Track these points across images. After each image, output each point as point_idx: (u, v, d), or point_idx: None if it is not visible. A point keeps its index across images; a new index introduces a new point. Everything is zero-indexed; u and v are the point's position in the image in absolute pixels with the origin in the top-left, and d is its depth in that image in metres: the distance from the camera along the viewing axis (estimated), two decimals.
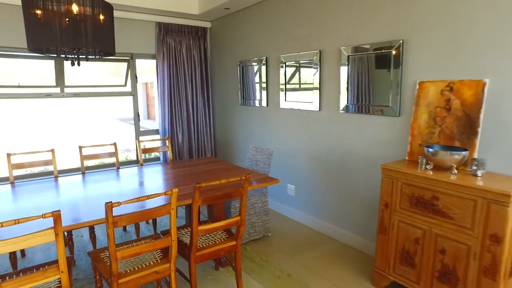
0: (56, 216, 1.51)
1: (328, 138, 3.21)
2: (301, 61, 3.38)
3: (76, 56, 2.39)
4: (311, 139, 3.40)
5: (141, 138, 4.58)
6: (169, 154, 3.73)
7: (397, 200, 2.19)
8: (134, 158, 4.93)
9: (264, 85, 3.93)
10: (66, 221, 1.89)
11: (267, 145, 4.01)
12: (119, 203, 1.66)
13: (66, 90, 3.99)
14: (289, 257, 2.93)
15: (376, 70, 2.70)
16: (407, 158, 2.37)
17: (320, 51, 3.17)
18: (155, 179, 2.86)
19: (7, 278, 1.80)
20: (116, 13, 4.01)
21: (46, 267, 1.61)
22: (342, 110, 3.02)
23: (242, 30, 4.18)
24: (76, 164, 4.20)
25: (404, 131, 2.56)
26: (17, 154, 2.88)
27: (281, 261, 2.86)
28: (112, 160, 3.49)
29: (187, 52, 4.60)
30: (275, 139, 3.88)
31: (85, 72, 4.34)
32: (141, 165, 3.44)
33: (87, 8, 2.26)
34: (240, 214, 2.21)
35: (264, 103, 3.96)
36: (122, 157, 4.75)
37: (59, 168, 3.38)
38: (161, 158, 4.65)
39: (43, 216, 1.48)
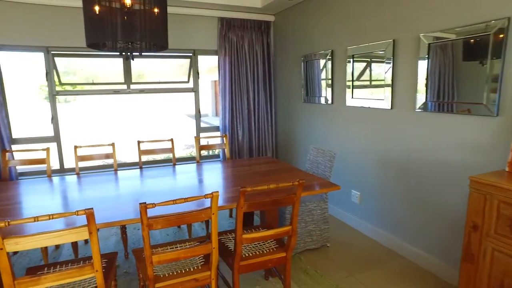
0: (89, 214, 1.43)
1: (401, 140, 2.76)
2: (371, 53, 2.97)
3: (130, 51, 2.36)
4: (381, 141, 2.97)
5: (201, 134, 4.58)
6: (226, 152, 3.62)
7: (492, 223, 1.72)
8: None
9: (329, 81, 3.58)
10: (111, 217, 1.85)
11: (331, 146, 3.66)
12: (154, 205, 1.53)
13: (132, 86, 4.14)
14: (349, 272, 2.58)
15: (464, 61, 2.20)
16: (507, 169, 1.85)
17: (393, 40, 2.73)
18: (207, 177, 2.75)
19: (45, 269, 1.82)
20: (179, 10, 4.04)
21: (81, 263, 1.57)
22: (419, 108, 2.55)
23: (307, 22, 3.88)
24: (145, 158, 4.35)
25: (503, 135, 2.03)
26: (83, 147, 3.02)
27: (338, 277, 2.53)
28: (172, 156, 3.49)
29: (249, 47, 4.45)
30: (340, 139, 3.52)
31: (152, 69, 4.46)
32: (198, 162, 3.39)
33: (140, 2, 2.21)
34: (292, 224, 1.95)
35: (328, 101, 3.61)
36: (186, 153, 4.79)
37: (125, 161, 3.50)
38: (221, 156, 4.60)
39: (77, 213, 1.41)
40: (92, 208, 1.44)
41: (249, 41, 4.43)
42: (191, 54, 4.35)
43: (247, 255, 2.01)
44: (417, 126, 2.60)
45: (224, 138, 3.63)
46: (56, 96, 3.85)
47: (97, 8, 2.09)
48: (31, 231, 1.67)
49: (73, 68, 4.07)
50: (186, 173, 2.88)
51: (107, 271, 1.84)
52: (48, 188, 2.48)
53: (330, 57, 3.51)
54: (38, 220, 1.36)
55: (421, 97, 2.53)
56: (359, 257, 2.82)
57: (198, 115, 4.54)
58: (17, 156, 3.29)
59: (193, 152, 6.65)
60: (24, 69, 3.75)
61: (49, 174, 2.85)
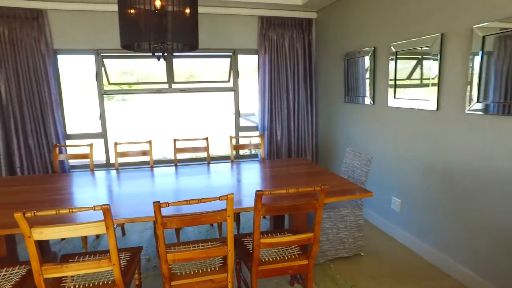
0: (105, 210, 1.48)
1: (448, 145, 2.49)
2: (415, 49, 2.72)
3: (162, 51, 2.42)
4: (425, 145, 2.72)
5: (240, 134, 4.60)
6: (261, 152, 3.58)
7: None
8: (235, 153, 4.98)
9: (370, 80, 3.36)
10: (138, 213, 1.90)
11: (371, 149, 3.44)
12: (167, 204, 1.54)
13: (174, 86, 4.28)
14: (381, 285, 2.40)
15: None
16: None
17: (441, 34, 2.47)
18: (236, 177, 2.73)
19: (76, 258, 1.92)
20: (219, 10, 4.08)
21: (103, 255, 1.63)
22: (469, 110, 2.28)
23: (349, 18, 3.68)
24: (182, 156, 4.47)
25: None
26: (122, 144, 3.18)
27: None
28: (211, 154, 3.54)
29: (290, 45, 4.36)
30: (381, 142, 3.29)
31: (193, 69, 4.57)
32: (232, 161, 3.39)
33: (172, 3, 2.25)
34: (314, 231, 1.85)
35: (369, 101, 3.40)
36: (227, 152, 4.84)
37: (171, 158, 3.61)
38: (259, 156, 4.56)
39: (94, 208, 1.47)
40: (108, 204, 1.48)
41: (289, 39, 4.34)
42: (231, 54, 4.38)
43: (267, 259, 1.94)
44: (468, 129, 2.32)
45: (260, 138, 3.59)
46: (110, 95, 4.12)
47: (130, 10, 2.17)
48: (74, 221, 1.79)
49: (122, 69, 4.31)
50: (217, 172, 2.89)
51: (129, 264, 1.90)
52: (89, 181, 2.64)
53: (372, 55, 3.30)
54: (59, 213, 1.44)
55: (472, 97, 2.26)
56: (395, 269, 2.61)
57: (237, 114, 4.56)
58: (69, 150, 3.56)
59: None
60: (77, 71, 4.05)
61: (91, 168, 3.05)
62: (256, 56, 4.38)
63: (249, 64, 4.56)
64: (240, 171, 2.94)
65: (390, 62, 3.03)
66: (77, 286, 1.69)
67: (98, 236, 3.22)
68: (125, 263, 1.91)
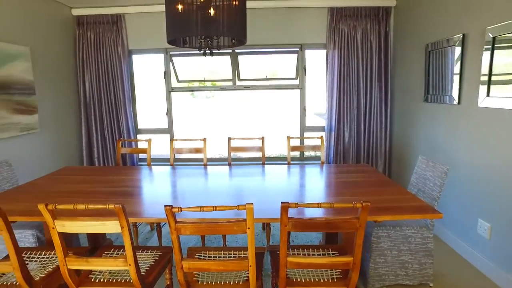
0: (118, 209, 1.43)
1: None
2: None
3: (208, 47, 2.33)
4: None
5: (306, 134, 4.34)
6: (321, 155, 3.28)
7: None
8: (298, 154, 4.73)
9: (456, 76, 2.78)
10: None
11: (456, 158, 2.85)
12: (180, 209, 1.42)
13: (239, 83, 4.23)
14: None
15: None
16: None
17: None
18: (284, 181, 2.51)
19: (111, 250, 1.94)
20: (285, 3, 3.87)
21: (120, 253, 1.60)
22: None
23: (433, 2, 3.11)
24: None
25: None
26: (178, 140, 3.23)
27: None
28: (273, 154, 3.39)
29: (363, 38, 3.91)
30: (468, 150, 2.69)
31: (259, 66, 4.46)
32: (289, 163, 3.18)
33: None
34: (353, 254, 1.54)
35: (454, 100, 2.81)
36: (292, 153, 4.65)
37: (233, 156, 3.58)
38: (324, 158, 4.22)
39: (107, 206, 1.43)
40: (121, 205, 1.43)
41: (362, 31, 3.90)
42: (298, 49, 4.14)
43: (299, 279, 1.70)
44: None
45: (320, 139, 3.29)
46: (193, 93, 4.29)
47: (174, 5, 2.13)
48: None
49: (190, 67, 4.44)
50: (267, 175, 2.71)
51: (156, 264, 1.85)
52: (143, 176, 2.72)
53: (459, 44, 2.71)
54: (76, 208, 1.44)
55: None
56: None
57: (302, 113, 4.30)
58: (140, 144, 3.78)
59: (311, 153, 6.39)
60: (148, 69, 4.29)
61: (148, 163, 3.16)
62: (325, 51, 4.05)
63: (316, 60, 4.25)
64: (291, 175, 2.71)
65: (484, 52, 2.43)
66: (102, 280, 1.70)
67: (152, 228, 3.33)
68: (153, 262, 1.87)
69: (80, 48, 3.92)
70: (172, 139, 3.21)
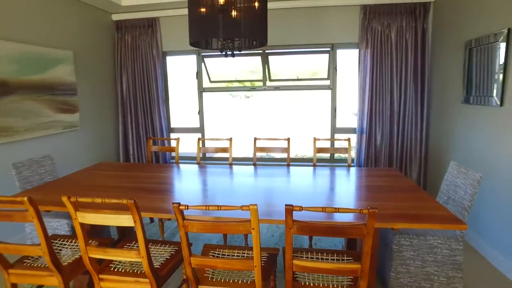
0: (130, 204, 1.51)
1: None
2: None
3: (230, 48, 2.37)
4: None
5: (336, 135, 4.24)
6: (348, 157, 3.20)
7: None
8: (329, 156, 4.62)
9: (498, 74, 2.57)
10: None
11: (495, 164, 2.63)
12: (187, 206, 1.47)
13: (269, 83, 4.24)
14: None
15: None
16: None
17: None
18: (306, 184, 2.49)
19: (133, 243, 2.05)
20: (316, 2, 3.81)
21: (133, 246, 1.68)
22: None
23: None
24: (266, 155, 4.41)
25: None
26: (206, 139, 3.31)
27: None
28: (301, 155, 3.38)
29: (397, 36, 3.74)
30: (509, 157, 2.48)
31: (291, 66, 4.44)
32: (314, 165, 3.14)
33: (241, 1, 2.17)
34: (362, 262, 1.49)
35: (496, 101, 2.60)
36: (324, 155, 4.59)
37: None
38: (355, 161, 4.11)
39: (121, 201, 1.52)
40: (133, 200, 1.51)
41: (397, 29, 3.73)
42: (329, 49, 4.06)
43: (307, 283, 1.68)
44: None
45: (347, 141, 3.20)
46: (232, 93, 4.41)
47: (198, 8, 2.19)
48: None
49: (221, 67, 4.54)
50: (290, 176, 2.70)
51: (171, 258, 1.92)
52: (171, 172, 2.83)
53: (504, 40, 2.50)
54: (94, 202, 1.55)
55: None
56: None
57: (333, 114, 4.21)
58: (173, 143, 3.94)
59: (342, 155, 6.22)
60: (181, 70, 4.45)
61: (176, 161, 3.28)
62: (356, 50, 3.93)
63: (348, 59, 4.14)
64: (314, 177, 2.67)
65: None
66: (120, 270, 1.80)
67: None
68: (168, 256, 1.94)
69: (119, 50, 4.17)
70: (199, 139, 3.31)
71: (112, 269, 1.82)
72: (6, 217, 1.71)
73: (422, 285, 2.18)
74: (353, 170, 2.87)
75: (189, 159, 4.48)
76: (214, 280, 1.72)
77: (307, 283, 1.68)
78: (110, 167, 3.00)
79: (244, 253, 1.95)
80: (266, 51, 4.16)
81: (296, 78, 4.45)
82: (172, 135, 4.42)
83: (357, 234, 1.45)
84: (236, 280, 1.71)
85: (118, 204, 1.92)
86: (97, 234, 2.37)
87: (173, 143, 3.66)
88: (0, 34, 2.74)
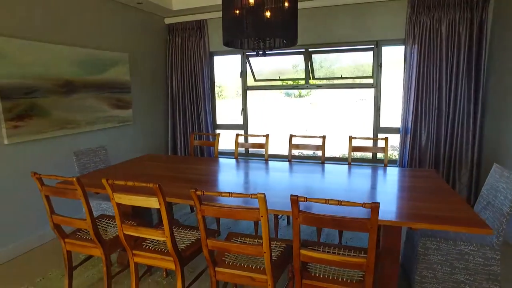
0: (155, 188, 1.70)
1: None
2: None
3: (261, 48, 2.47)
4: None
5: (380, 135, 4.12)
6: (385, 157, 3.10)
7: None
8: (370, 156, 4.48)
9: None
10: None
11: None
12: (202, 192, 1.62)
13: (313, 82, 4.26)
14: None
15: None
16: None
17: None
18: (339, 181, 2.50)
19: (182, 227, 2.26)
20: None
21: (157, 227, 1.87)
22: None
23: None
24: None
25: None
26: (242, 135, 3.46)
27: None
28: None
29: (449, 30, 3.51)
30: None
31: (332, 64, 4.41)
32: (349, 164, 3.11)
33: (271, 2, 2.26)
34: (367, 257, 1.50)
35: None
36: (360, 154, 4.50)
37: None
38: (398, 161, 3.94)
39: (149, 185, 1.72)
40: (158, 184, 1.70)
41: (448, 23, 3.50)
42: (373, 46, 3.95)
43: (318, 274, 1.72)
44: None
45: (385, 141, 3.11)
46: (287, 91, 4.57)
47: (230, 9, 2.33)
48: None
49: (265, 66, 4.66)
50: (322, 173, 2.72)
51: (197, 241, 2.09)
52: (208, 165, 3.03)
53: None
54: (126, 184, 1.77)
55: None
56: None
57: (377, 114, 4.09)
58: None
59: (392, 154, 5.98)
60: (228, 69, 4.67)
61: (216, 155, 3.48)
62: (402, 47, 3.77)
63: (392, 56, 3.99)
64: (345, 175, 2.65)
65: None
66: (150, 248, 2.02)
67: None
68: (194, 240, 2.11)
69: (170, 51, 4.52)
70: (237, 135, 3.47)
71: (144, 246, 2.04)
72: (62, 194, 2.02)
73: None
74: (389, 169, 2.79)
75: (230, 154, 4.69)
76: (230, 264, 1.84)
77: (317, 274, 1.73)
78: (155, 158, 3.30)
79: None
80: (309, 49, 4.18)
81: (340, 76, 4.40)
82: (218, 131, 4.65)
83: (361, 228, 1.46)
84: (250, 266, 1.82)
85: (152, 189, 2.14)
86: (138, 216, 2.64)
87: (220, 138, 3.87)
88: (68, 42, 3.18)
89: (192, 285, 2.13)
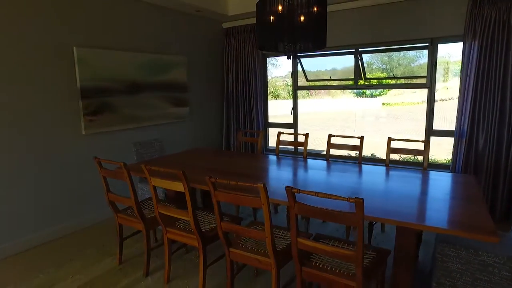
0: (180, 174, 1.99)
1: None
2: None
3: (292, 51, 2.61)
4: None
5: (432, 138, 3.90)
6: (424, 160, 2.97)
7: None
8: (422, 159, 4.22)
9: None
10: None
11: None
12: (215, 179, 1.86)
13: (364, 82, 4.21)
14: None
15: None
16: None
17: None
18: (367, 181, 2.53)
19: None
20: None
21: (184, 209, 2.16)
22: None
23: None
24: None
25: None
26: (285, 134, 3.62)
27: None
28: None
29: None
30: None
31: (384, 63, 4.28)
32: (387, 166, 3.06)
33: (301, 6, 2.39)
34: (356, 249, 1.57)
35: None
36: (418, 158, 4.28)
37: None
38: (458, 166, 3.66)
39: (173, 171, 2.02)
40: (182, 171, 1.99)
41: None
42: (427, 44, 3.75)
43: (318, 263, 1.83)
44: None
45: (424, 143, 2.99)
46: (357, 91, 4.70)
47: (265, 16, 2.52)
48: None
49: (316, 66, 4.74)
50: (356, 173, 2.76)
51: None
52: (249, 159, 3.28)
53: None
54: (159, 170, 2.10)
55: None
56: None
57: (430, 116, 3.87)
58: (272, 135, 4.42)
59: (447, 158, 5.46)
60: (280, 70, 4.85)
61: (259, 151, 3.70)
62: (459, 44, 3.52)
63: (447, 54, 3.74)
64: (379, 176, 2.63)
65: None
66: (180, 227, 2.34)
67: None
68: (214, 225, 2.36)
69: (226, 53, 4.88)
70: (279, 133, 3.64)
71: (176, 225, 2.37)
72: (113, 175, 2.46)
73: None
74: (426, 173, 2.68)
75: (283, 152, 4.87)
76: (242, 247, 2.06)
77: (317, 264, 1.84)
78: (202, 151, 3.66)
79: (276, 232, 2.21)
80: (359, 49, 4.14)
81: (393, 76, 4.26)
82: (270, 130, 4.89)
83: (349, 222, 1.55)
84: (259, 250, 2.00)
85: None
86: (181, 201, 3.01)
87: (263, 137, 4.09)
88: (135, 49, 3.73)
89: (214, 264, 2.40)
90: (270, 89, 5.03)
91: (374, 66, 4.22)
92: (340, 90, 4.41)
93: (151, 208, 2.73)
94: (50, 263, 2.71)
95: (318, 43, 2.53)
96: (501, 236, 2.19)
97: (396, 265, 2.00)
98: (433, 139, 3.92)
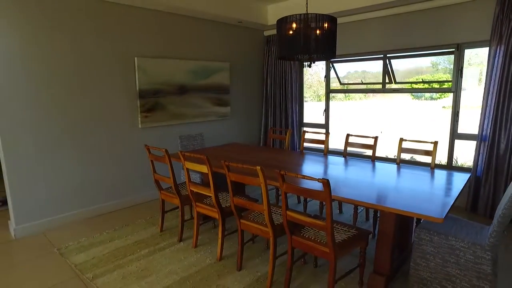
0: (204, 158, 2.57)
1: None
2: None
3: (307, 61, 3.05)
4: None
5: (456, 142, 4.00)
6: (432, 160, 3.16)
7: None
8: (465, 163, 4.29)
9: None
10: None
11: None
12: (228, 163, 2.40)
13: (394, 86, 4.44)
14: None
15: None
16: None
17: None
18: (373, 176, 2.88)
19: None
20: (440, 2, 3.77)
21: (207, 188, 2.72)
22: None
23: None
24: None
25: None
26: (309, 132, 4.04)
27: None
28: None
29: None
30: None
31: (413, 69, 4.44)
32: (398, 164, 3.33)
33: (315, 24, 2.83)
34: (326, 221, 2.00)
35: None
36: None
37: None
38: (479, 168, 3.74)
39: (199, 156, 2.60)
40: (205, 156, 2.56)
41: None
42: (454, 49, 3.88)
43: (306, 235, 2.26)
44: None
45: (433, 144, 3.20)
46: (415, 94, 5.05)
47: (284, 31, 2.99)
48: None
49: (348, 70, 5.03)
50: (366, 169, 3.12)
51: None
52: (275, 155, 3.77)
53: None
54: (189, 155, 2.71)
55: None
56: None
57: (454, 119, 3.98)
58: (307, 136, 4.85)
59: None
60: (316, 73, 5.23)
61: (286, 147, 4.17)
62: (485, 49, 3.60)
63: (472, 59, 3.81)
64: (386, 172, 2.92)
65: None
66: (207, 203, 2.92)
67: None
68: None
69: (266, 59, 5.42)
70: (304, 131, 4.08)
71: (203, 201, 2.97)
72: (158, 159, 3.13)
73: (443, 284, 2.25)
74: (430, 172, 2.91)
75: (316, 150, 5.27)
76: (250, 218, 2.57)
77: (304, 235, 2.27)
78: (238, 145, 4.24)
79: (275, 209, 2.68)
80: (387, 55, 4.37)
81: (421, 80, 4.41)
82: (305, 129, 5.31)
83: (321, 198, 1.97)
84: (263, 222, 2.50)
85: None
86: (222, 184, 3.59)
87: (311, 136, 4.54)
88: (184, 56, 4.44)
89: (233, 235, 2.94)
90: (313, 91, 5.42)
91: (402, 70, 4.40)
92: (396, 93, 4.63)
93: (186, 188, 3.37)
94: (110, 226, 3.51)
95: (328, 55, 2.94)
96: (476, 226, 2.39)
97: (378, 244, 2.35)
98: (461, 142, 4.03)
